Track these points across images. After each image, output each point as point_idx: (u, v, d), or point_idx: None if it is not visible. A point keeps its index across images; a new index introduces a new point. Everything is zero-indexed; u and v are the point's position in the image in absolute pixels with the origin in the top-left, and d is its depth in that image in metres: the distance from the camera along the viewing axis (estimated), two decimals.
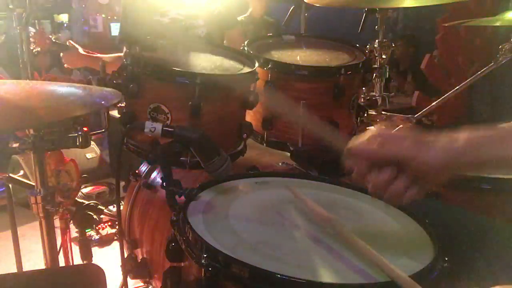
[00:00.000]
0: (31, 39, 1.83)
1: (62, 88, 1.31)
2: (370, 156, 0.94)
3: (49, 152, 1.56)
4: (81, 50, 2.34)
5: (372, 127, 0.99)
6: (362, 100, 2.01)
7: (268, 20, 3.93)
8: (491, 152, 0.89)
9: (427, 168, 0.90)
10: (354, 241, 0.95)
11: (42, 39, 2.07)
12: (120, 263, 1.58)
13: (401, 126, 2.00)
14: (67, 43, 2.37)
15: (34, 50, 1.99)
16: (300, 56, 1.85)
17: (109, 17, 5.61)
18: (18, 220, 1.78)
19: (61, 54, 2.31)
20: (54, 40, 2.19)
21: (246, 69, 1.59)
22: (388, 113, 2.03)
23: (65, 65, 2.49)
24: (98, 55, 2.36)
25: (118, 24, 2.72)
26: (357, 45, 1.94)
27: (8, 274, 1.46)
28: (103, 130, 1.79)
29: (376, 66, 2.01)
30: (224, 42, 2.67)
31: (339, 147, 1.02)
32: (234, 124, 1.58)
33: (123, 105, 1.62)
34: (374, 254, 0.90)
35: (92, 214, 1.71)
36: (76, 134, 1.44)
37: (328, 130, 1.15)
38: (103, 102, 1.22)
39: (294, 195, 1.15)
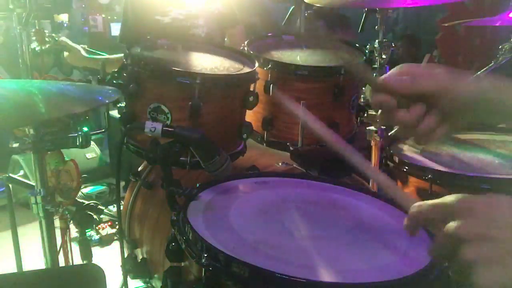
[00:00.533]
0: (33, 37, 1.83)
1: (62, 86, 1.31)
2: (403, 91, 0.88)
3: (49, 152, 1.56)
4: (83, 52, 2.34)
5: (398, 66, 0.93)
6: (362, 100, 2.01)
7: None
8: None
9: (458, 103, 0.86)
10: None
11: (42, 38, 2.07)
12: (120, 263, 1.58)
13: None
14: (69, 43, 2.36)
15: (36, 48, 1.99)
16: (300, 56, 1.86)
17: (109, 17, 5.60)
18: (18, 220, 1.79)
19: (65, 54, 2.31)
20: (56, 39, 2.19)
21: (246, 69, 1.59)
22: None
23: (69, 62, 2.48)
24: (100, 57, 2.36)
25: (118, 24, 2.72)
26: (357, 45, 1.94)
27: (8, 274, 1.46)
28: (103, 130, 1.79)
29: (376, 66, 2.01)
30: (225, 40, 2.67)
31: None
32: (234, 124, 1.58)
33: (123, 105, 1.62)
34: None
35: (92, 214, 1.71)
36: (76, 134, 1.44)
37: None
38: (102, 99, 1.22)
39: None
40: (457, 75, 0.88)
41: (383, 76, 0.91)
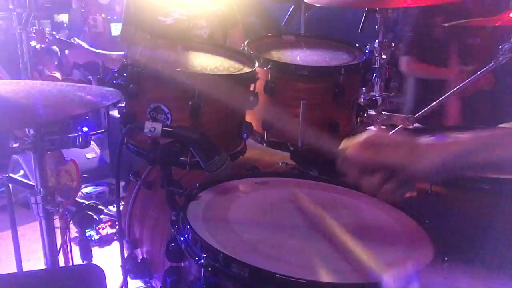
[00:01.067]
0: (33, 34, 1.83)
1: (62, 87, 1.31)
2: (362, 162, 0.96)
3: (49, 152, 1.56)
4: (85, 45, 2.34)
5: (368, 129, 1.00)
6: (362, 100, 2.01)
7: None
8: (487, 155, 0.90)
9: (421, 175, 0.93)
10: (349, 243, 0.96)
11: (41, 37, 2.07)
12: (120, 263, 1.58)
13: (400, 126, 2.00)
14: (71, 40, 2.37)
15: (37, 46, 1.99)
16: (300, 56, 1.85)
17: (109, 17, 5.60)
18: (18, 220, 1.78)
19: (66, 52, 2.31)
20: (57, 37, 2.19)
21: (246, 69, 1.59)
22: (388, 113, 2.03)
23: (72, 61, 2.49)
24: (102, 51, 2.36)
25: (118, 24, 2.73)
26: (357, 45, 1.94)
27: (8, 274, 1.46)
28: (103, 130, 1.79)
29: (376, 66, 2.01)
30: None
31: (336, 150, 1.04)
32: (234, 124, 1.58)
33: (123, 105, 1.62)
34: (367, 253, 0.90)
35: (92, 214, 1.71)
36: (76, 134, 1.44)
37: (325, 133, 1.16)
38: (102, 101, 1.21)
39: (294, 196, 1.15)
40: (419, 152, 0.92)
41: (346, 148, 0.99)
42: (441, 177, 0.96)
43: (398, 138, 0.98)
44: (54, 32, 2.18)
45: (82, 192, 3.39)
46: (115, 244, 3.13)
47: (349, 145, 0.98)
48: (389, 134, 1.02)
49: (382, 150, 0.94)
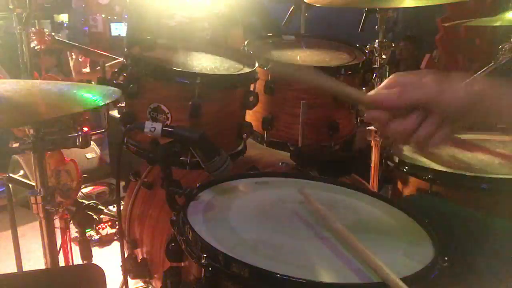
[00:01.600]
0: (32, 36, 1.83)
1: (62, 87, 1.31)
2: (392, 105, 0.89)
3: (49, 152, 1.56)
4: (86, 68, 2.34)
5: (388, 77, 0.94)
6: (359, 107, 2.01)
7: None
8: (509, 99, 0.87)
9: (451, 109, 0.87)
10: (350, 240, 0.95)
11: (41, 37, 2.07)
12: (120, 263, 1.58)
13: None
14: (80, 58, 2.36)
15: (36, 48, 1.99)
16: (300, 56, 1.86)
17: (109, 17, 5.60)
18: (18, 220, 1.78)
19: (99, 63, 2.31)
20: (56, 38, 2.18)
21: (246, 69, 1.59)
22: None
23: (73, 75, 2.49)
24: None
25: (118, 24, 2.73)
26: (357, 45, 1.94)
27: (8, 274, 1.46)
28: (103, 130, 1.79)
29: (376, 66, 2.01)
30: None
31: (353, 98, 1.00)
32: (234, 124, 1.58)
33: (123, 105, 1.62)
34: (368, 254, 0.90)
35: (92, 214, 1.71)
36: (76, 134, 1.44)
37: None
38: (102, 101, 1.21)
39: (306, 198, 1.15)
40: (446, 82, 0.88)
41: (370, 93, 0.93)
42: (470, 114, 0.89)
43: (421, 76, 0.91)
44: (53, 33, 2.18)
45: (82, 192, 3.40)
46: (115, 244, 3.13)
47: (373, 91, 0.93)
48: (410, 74, 0.96)
49: (408, 90, 0.89)
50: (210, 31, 2.54)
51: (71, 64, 2.50)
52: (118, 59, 2.32)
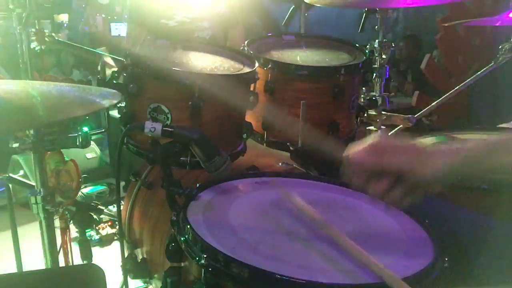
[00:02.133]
0: (32, 37, 1.82)
1: (62, 87, 1.31)
2: (369, 167, 0.95)
3: (49, 152, 1.56)
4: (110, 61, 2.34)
5: (372, 135, 0.99)
6: (362, 100, 2.01)
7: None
8: (493, 161, 0.90)
9: (427, 180, 0.92)
10: (343, 241, 0.96)
11: (41, 38, 2.07)
12: (120, 263, 1.58)
13: (400, 126, 1.99)
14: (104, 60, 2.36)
15: (36, 48, 1.99)
16: (300, 56, 1.85)
17: (109, 17, 5.60)
18: (18, 220, 1.78)
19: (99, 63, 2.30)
20: (56, 38, 2.18)
21: (246, 69, 1.59)
22: (388, 113, 2.03)
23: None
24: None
25: (118, 24, 2.74)
26: (357, 45, 1.94)
27: (8, 274, 1.46)
28: (103, 130, 1.79)
29: (376, 66, 2.01)
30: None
31: (337, 153, 1.03)
32: (234, 124, 1.58)
33: (123, 105, 1.62)
34: (364, 254, 0.90)
35: (92, 214, 1.71)
36: (76, 134, 1.44)
37: (325, 133, 1.16)
38: (102, 102, 1.21)
39: (286, 195, 1.15)
40: (426, 157, 0.92)
41: (351, 154, 0.97)
42: (447, 182, 0.95)
43: (403, 143, 0.96)
44: (53, 34, 2.17)
45: (82, 192, 3.40)
46: (115, 244, 3.13)
47: (354, 150, 0.97)
48: (394, 138, 1.01)
49: (388, 155, 0.93)
50: (210, 31, 2.54)
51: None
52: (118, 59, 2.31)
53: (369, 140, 0.97)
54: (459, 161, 0.90)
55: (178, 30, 2.44)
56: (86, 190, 3.53)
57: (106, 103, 1.17)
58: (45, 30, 2.10)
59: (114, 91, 1.34)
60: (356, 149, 0.97)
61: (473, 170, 0.92)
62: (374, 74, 2.02)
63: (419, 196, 0.95)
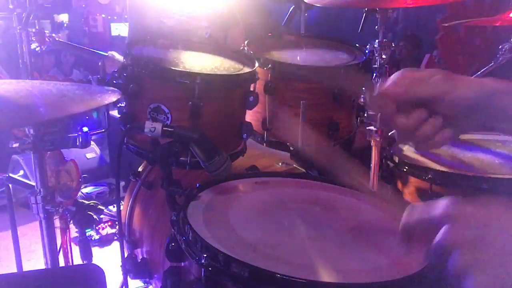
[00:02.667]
0: (32, 37, 1.83)
1: (62, 87, 1.31)
2: (399, 98, 0.88)
3: (49, 152, 1.56)
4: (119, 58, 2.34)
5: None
6: (362, 100, 2.01)
7: None
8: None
9: (458, 105, 0.85)
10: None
11: (41, 38, 2.07)
12: (120, 263, 1.58)
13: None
14: (108, 54, 2.36)
15: (37, 49, 1.99)
16: (300, 56, 1.86)
17: (109, 17, 5.61)
18: (18, 220, 1.78)
19: (99, 63, 2.29)
20: (56, 39, 2.18)
21: (246, 69, 1.59)
22: None
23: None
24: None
25: (118, 24, 2.74)
26: (357, 45, 1.94)
27: (8, 274, 1.46)
28: (103, 130, 1.79)
29: (376, 66, 2.01)
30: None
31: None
32: (234, 124, 1.58)
33: (123, 105, 1.62)
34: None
35: (92, 214, 1.71)
36: (76, 134, 1.44)
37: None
38: (102, 100, 1.21)
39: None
40: (455, 79, 0.86)
41: (378, 89, 0.91)
42: (477, 114, 0.87)
43: (429, 70, 0.89)
44: (53, 34, 2.17)
45: (82, 192, 3.40)
46: (115, 244, 3.14)
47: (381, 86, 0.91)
48: (420, 70, 0.94)
49: (416, 83, 0.87)
50: (209, 30, 2.54)
51: None
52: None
53: (395, 74, 0.91)
54: (489, 89, 0.85)
55: (177, 30, 2.44)
56: (86, 190, 3.54)
57: (106, 100, 1.17)
58: (45, 30, 2.10)
59: (114, 89, 1.34)
60: (383, 84, 0.91)
61: (501, 104, 0.85)
62: (374, 74, 2.02)
63: (452, 131, 0.88)
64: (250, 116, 1.68)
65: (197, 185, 1.19)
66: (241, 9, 2.73)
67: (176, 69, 1.48)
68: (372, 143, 1.88)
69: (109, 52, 2.37)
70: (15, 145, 1.38)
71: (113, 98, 1.22)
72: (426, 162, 1.55)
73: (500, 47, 1.94)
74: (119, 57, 2.35)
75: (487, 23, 2.47)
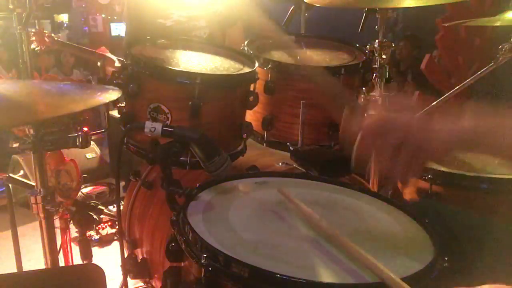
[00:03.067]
0: (32, 37, 1.83)
1: (62, 86, 1.31)
2: (374, 151, 0.95)
3: (49, 152, 1.56)
4: (117, 63, 2.34)
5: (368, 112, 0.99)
6: (362, 100, 2.01)
7: None
8: (489, 141, 0.90)
9: (433, 154, 0.92)
10: (345, 243, 0.95)
11: (41, 38, 2.07)
12: (120, 263, 1.58)
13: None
14: (107, 54, 2.36)
15: (36, 49, 1.99)
16: (300, 56, 1.86)
17: (109, 17, 5.61)
18: (18, 220, 1.78)
19: (98, 64, 2.28)
20: (56, 39, 2.17)
21: (246, 69, 1.59)
22: None
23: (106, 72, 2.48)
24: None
25: (118, 24, 2.73)
26: (357, 45, 1.94)
27: (8, 274, 1.46)
28: (103, 130, 1.79)
29: (376, 66, 2.01)
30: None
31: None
32: (234, 124, 1.58)
33: (123, 105, 1.62)
34: (364, 256, 0.90)
35: (92, 214, 1.71)
36: (76, 134, 1.44)
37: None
38: (101, 98, 1.21)
39: (287, 198, 1.15)
40: (427, 122, 0.92)
41: (355, 150, 0.98)
42: (445, 153, 0.96)
43: (400, 118, 0.95)
44: (53, 34, 2.17)
45: (82, 192, 3.40)
46: (115, 244, 3.14)
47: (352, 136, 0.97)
48: (387, 115, 0.99)
49: (388, 133, 0.93)
50: (207, 30, 2.54)
51: None
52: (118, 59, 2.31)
53: (365, 122, 0.97)
54: (461, 135, 0.91)
55: (175, 30, 2.44)
56: (86, 190, 3.53)
57: (105, 98, 1.17)
58: (45, 30, 2.10)
59: (114, 87, 1.34)
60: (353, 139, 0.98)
61: (471, 146, 0.94)
62: (374, 74, 2.02)
63: (419, 166, 0.94)
64: (250, 116, 1.68)
65: (197, 185, 1.19)
66: (240, 9, 2.73)
67: (176, 69, 1.48)
68: None
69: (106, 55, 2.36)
70: (15, 145, 1.38)
71: (113, 96, 1.22)
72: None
73: (500, 47, 1.94)
74: (114, 57, 2.35)
75: (487, 23, 2.46)
